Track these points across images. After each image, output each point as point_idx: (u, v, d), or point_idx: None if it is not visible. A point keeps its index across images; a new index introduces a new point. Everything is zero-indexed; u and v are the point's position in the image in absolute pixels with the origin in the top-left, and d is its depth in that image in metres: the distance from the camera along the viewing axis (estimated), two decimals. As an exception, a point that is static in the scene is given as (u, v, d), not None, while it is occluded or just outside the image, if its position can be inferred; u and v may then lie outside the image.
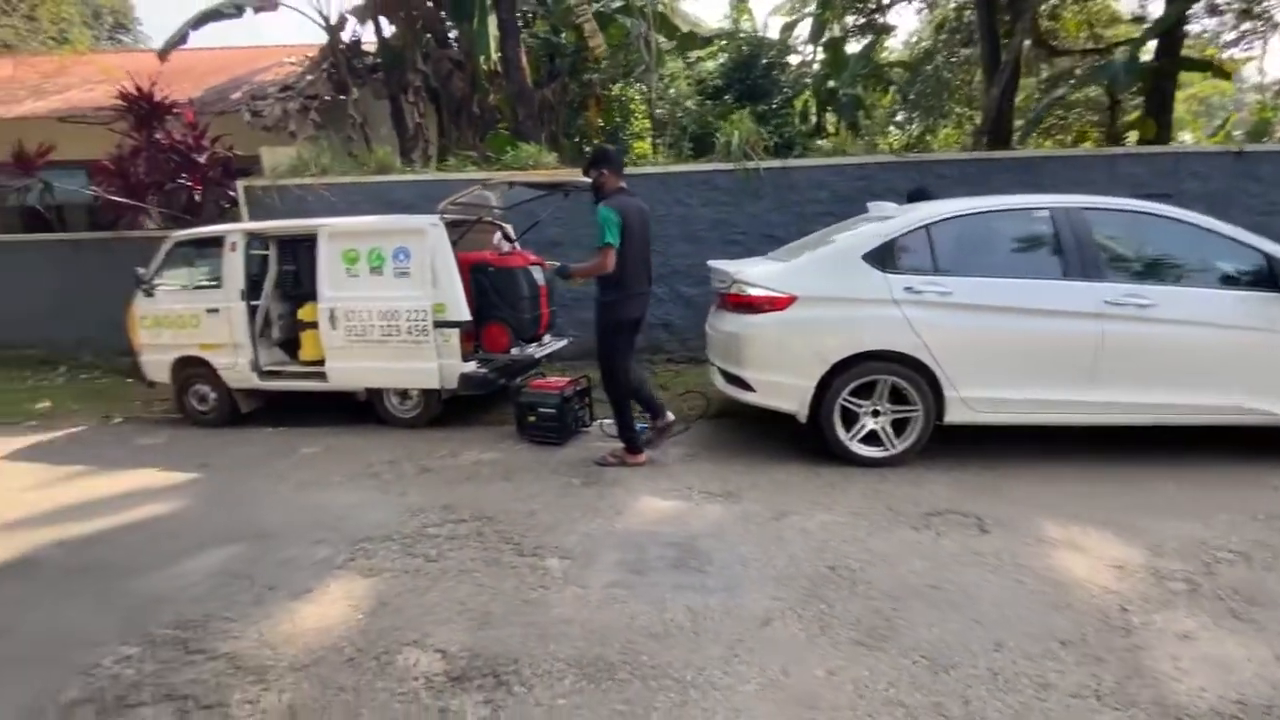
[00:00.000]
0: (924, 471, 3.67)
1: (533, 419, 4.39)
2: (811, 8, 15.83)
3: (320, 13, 8.90)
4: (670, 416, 4.07)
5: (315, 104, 8.77)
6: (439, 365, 4.63)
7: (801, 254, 4.07)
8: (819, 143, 11.97)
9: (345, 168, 7.06)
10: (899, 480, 3.56)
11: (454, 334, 4.61)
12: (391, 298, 4.63)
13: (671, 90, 13.72)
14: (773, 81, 13.02)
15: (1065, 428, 3.82)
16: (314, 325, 5.06)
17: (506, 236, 5.42)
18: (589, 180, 4.56)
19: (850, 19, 15.04)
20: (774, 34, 15.30)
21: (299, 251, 5.29)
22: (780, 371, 3.74)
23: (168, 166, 7.25)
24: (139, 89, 7.25)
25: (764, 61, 13.09)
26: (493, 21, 8.93)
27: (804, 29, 15.77)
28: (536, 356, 5.08)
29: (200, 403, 5.28)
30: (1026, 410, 3.62)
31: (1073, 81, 11.98)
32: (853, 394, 3.69)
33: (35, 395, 6.68)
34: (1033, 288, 3.56)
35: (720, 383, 4.09)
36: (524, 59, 8.91)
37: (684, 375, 6.19)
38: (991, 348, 3.58)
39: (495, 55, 9.13)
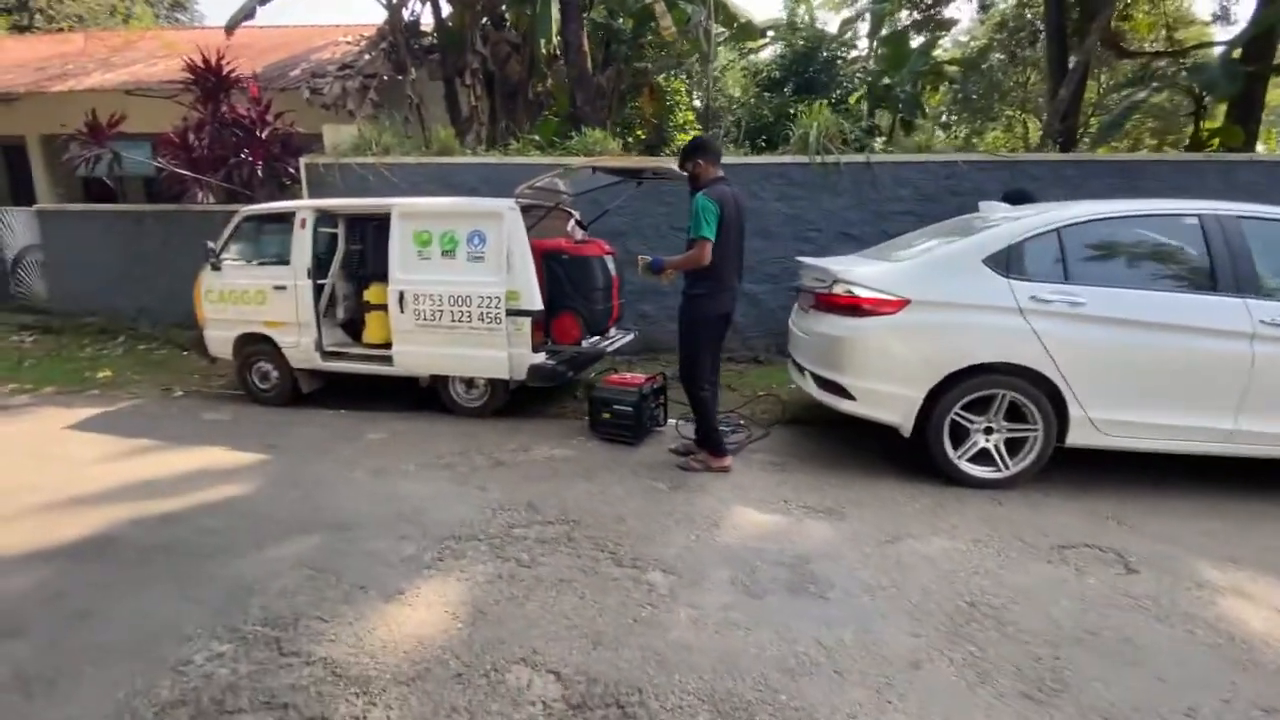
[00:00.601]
0: (1040, 497, 3.38)
1: (607, 416, 4.19)
2: (865, 1, 15.41)
3: (384, -9, 8.78)
4: (728, 462, 3.71)
5: (374, 83, 8.67)
6: (509, 355, 4.46)
7: (907, 254, 3.79)
8: (876, 140, 11.55)
9: (407, 148, 6.94)
10: (1015, 505, 3.28)
11: (526, 323, 4.43)
12: (464, 282, 4.47)
13: (720, 83, 13.43)
14: (831, 76, 12.60)
15: (1191, 456, 3.49)
16: (380, 307, 4.94)
17: (580, 224, 5.22)
18: (672, 168, 4.36)
19: (905, 13, 14.53)
20: (825, 27, 14.90)
21: (366, 231, 5.17)
22: (886, 380, 3.47)
23: (231, 141, 7.20)
24: (207, 62, 7.21)
25: (824, 55, 12.66)
26: (554, 4, 8.74)
27: (863, 24, 15.39)
28: (608, 350, 4.87)
29: (262, 380, 5.20)
30: (1161, 436, 3.30)
31: (1156, 84, 11.34)
32: (964, 409, 3.42)
33: (95, 364, 6.71)
34: (1177, 302, 3.23)
35: (811, 388, 3.84)
36: (585, 43, 8.69)
37: (748, 376, 5.95)
38: (1127, 366, 3.26)
39: (556, 39, 8.93)
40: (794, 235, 6.10)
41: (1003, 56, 17.26)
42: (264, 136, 7.34)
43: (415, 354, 4.67)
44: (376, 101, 8.55)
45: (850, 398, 3.57)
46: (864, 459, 3.86)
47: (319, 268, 4.92)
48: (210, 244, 5.07)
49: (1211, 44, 12.43)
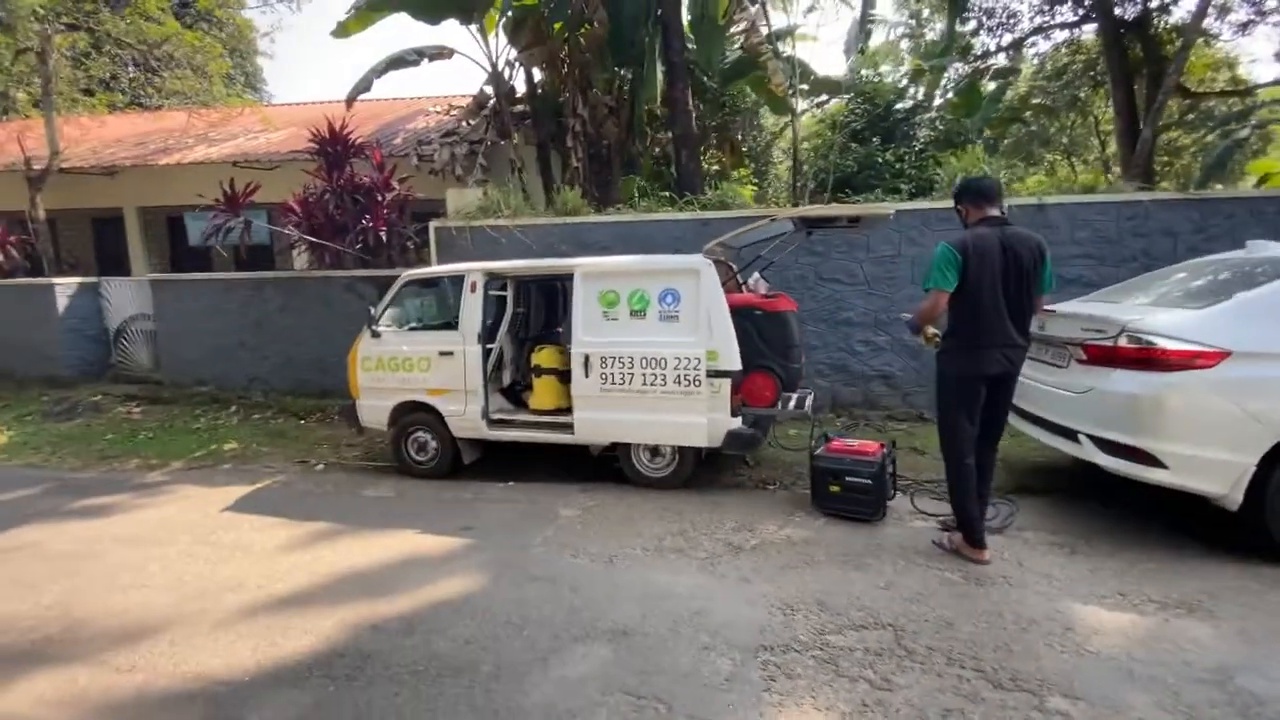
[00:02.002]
0: None
1: (836, 489, 3.74)
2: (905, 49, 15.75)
3: (490, 60, 8.97)
4: (985, 555, 3.17)
5: (481, 149, 8.74)
6: (708, 420, 4.08)
7: (1177, 298, 3.40)
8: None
9: (535, 211, 6.85)
10: (1402, 595, 2.73)
11: (725, 385, 4.07)
12: (657, 343, 4.15)
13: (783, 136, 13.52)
14: (911, 125, 12.55)
15: None
16: (550, 371, 4.65)
17: (763, 277, 4.93)
18: (888, 212, 4.14)
19: (944, 63, 14.60)
20: (905, 81, 15.04)
21: (531, 292, 4.94)
22: (1207, 445, 2.99)
23: (354, 207, 7.19)
24: (332, 132, 7.29)
25: (900, 107, 12.67)
26: (659, 67, 8.83)
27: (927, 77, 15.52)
28: (807, 411, 4.46)
29: (419, 452, 4.87)
30: None
31: (1254, 123, 11.05)
32: (1305, 477, 2.92)
33: (216, 435, 6.51)
34: None
35: (1094, 454, 3.34)
36: (690, 101, 8.70)
37: (915, 435, 5.47)
38: None
39: (659, 100, 9.01)
40: (957, 284, 5.72)
41: (1044, 101, 17.36)
42: (384, 202, 7.33)
43: (599, 420, 4.32)
44: (485, 166, 8.59)
45: (1160, 465, 3.08)
46: (1152, 533, 3.33)
47: (486, 332, 4.67)
48: (371, 310, 4.86)
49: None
